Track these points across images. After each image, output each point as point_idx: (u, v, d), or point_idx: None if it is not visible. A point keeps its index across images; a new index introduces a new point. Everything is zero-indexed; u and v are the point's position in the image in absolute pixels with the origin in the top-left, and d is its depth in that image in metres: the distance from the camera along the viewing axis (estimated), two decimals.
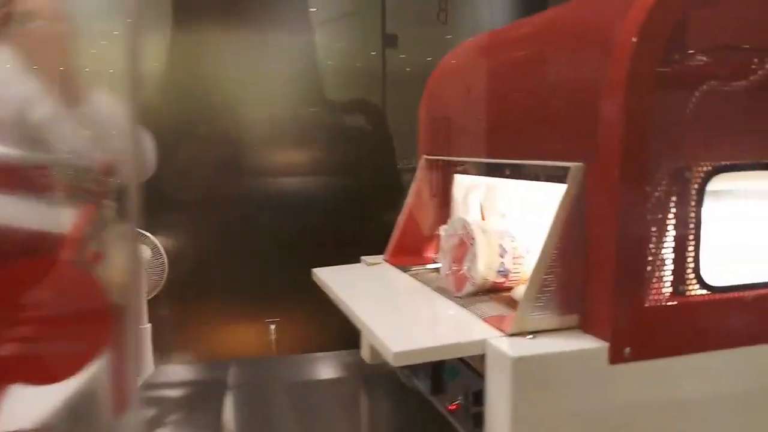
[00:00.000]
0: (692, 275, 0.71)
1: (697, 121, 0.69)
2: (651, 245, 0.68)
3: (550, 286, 0.72)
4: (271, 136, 2.20)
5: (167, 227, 2.14)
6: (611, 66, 0.67)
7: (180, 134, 2.11)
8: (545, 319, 0.72)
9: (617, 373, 0.68)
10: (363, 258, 1.19)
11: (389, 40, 2.40)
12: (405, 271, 1.07)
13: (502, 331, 0.72)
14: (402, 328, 0.76)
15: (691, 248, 0.70)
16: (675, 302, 0.70)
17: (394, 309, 0.83)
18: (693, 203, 0.70)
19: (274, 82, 2.20)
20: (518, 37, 0.95)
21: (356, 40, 2.39)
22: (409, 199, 1.15)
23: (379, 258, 1.16)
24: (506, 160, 0.90)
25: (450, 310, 0.83)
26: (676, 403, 0.71)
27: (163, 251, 2.10)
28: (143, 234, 2.06)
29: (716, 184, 0.71)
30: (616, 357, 0.68)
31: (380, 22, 2.36)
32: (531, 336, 0.71)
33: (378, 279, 1.02)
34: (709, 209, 0.72)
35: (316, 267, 1.12)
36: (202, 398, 1.08)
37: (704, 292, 0.71)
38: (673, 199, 0.69)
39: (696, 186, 0.70)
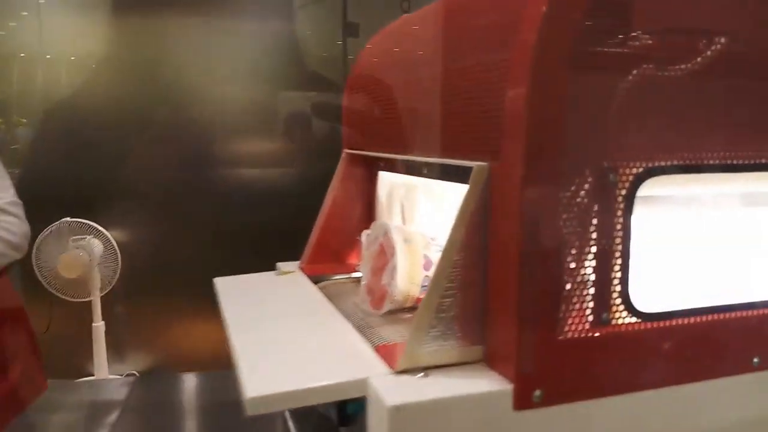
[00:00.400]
0: (619, 300, 0.58)
1: (624, 114, 0.56)
2: (566, 264, 0.56)
3: (447, 311, 0.59)
4: (232, 126, 2.09)
5: (122, 221, 2.04)
6: (516, 44, 0.54)
7: (136, 124, 2.00)
8: (442, 351, 0.59)
9: (525, 421, 0.55)
10: (279, 264, 1.06)
11: (350, 29, 2.31)
12: (318, 282, 0.94)
13: (392, 367, 0.59)
14: (274, 363, 0.63)
15: (617, 267, 0.57)
16: (598, 333, 0.57)
17: (276, 335, 0.70)
18: (620, 212, 0.57)
19: (235, 70, 2.09)
20: (426, 21, 0.81)
21: (320, 29, 2.29)
22: (329, 198, 1.02)
23: (294, 265, 1.02)
24: (419, 157, 0.77)
25: (345, 336, 0.70)
26: None
27: (116, 246, 1.97)
28: (96, 228, 1.94)
29: (650, 189, 0.58)
30: (522, 401, 0.55)
31: (341, 11, 2.26)
32: (422, 374, 0.58)
33: (280, 293, 0.89)
34: (642, 220, 0.59)
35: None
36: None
37: (634, 320, 0.59)
38: (595, 207, 0.56)
39: (623, 192, 0.57)
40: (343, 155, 1.03)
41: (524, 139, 0.53)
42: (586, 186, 0.55)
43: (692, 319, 0.61)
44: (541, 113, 0.53)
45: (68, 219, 1.89)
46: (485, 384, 0.56)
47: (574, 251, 0.56)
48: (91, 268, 1.91)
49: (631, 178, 0.57)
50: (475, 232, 0.58)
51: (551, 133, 0.53)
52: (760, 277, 0.67)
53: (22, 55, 1.97)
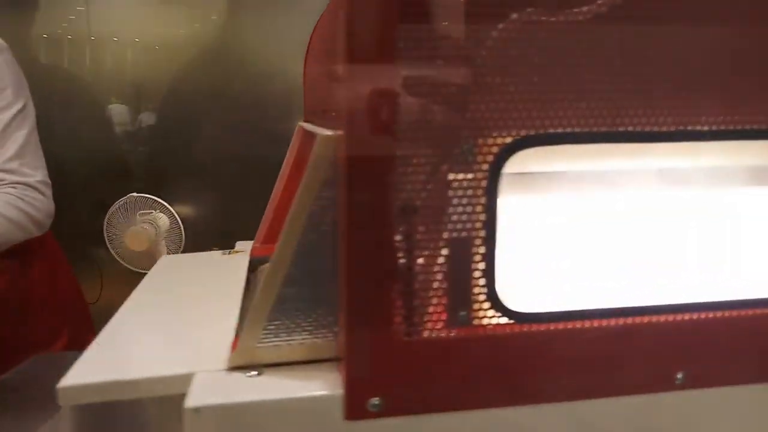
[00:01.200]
0: (483, 296, 0.48)
1: (482, 73, 0.46)
2: (410, 251, 0.47)
3: (291, 302, 0.52)
4: (301, 103, 2.07)
5: (187, 197, 2.09)
6: None
7: (204, 102, 2.03)
8: (285, 347, 0.52)
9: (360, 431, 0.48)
10: (237, 243, 1.02)
11: None
12: (262, 263, 0.89)
13: None
14: (122, 351, 0.58)
15: (479, 257, 0.48)
16: (454, 335, 0.48)
17: (155, 321, 0.65)
18: (480, 192, 0.47)
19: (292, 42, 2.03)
20: None
21: None
22: (283, 173, 0.96)
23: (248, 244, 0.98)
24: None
25: (224, 326, 0.64)
26: None
27: (179, 221, 2.02)
28: (161, 204, 2.00)
29: (523, 164, 0.48)
30: (354, 411, 0.47)
31: None
32: (255, 372, 0.51)
33: (205, 275, 0.84)
34: (513, 202, 0.49)
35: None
36: None
37: (504, 321, 0.49)
38: (448, 186, 0.47)
39: (485, 167, 0.47)
40: (297, 128, 0.96)
41: (347, 101, 0.44)
42: (435, 160, 0.46)
43: (589, 323, 0.50)
44: (367, 72, 0.44)
45: (135, 194, 1.95)
46: (313, 387, 0.49)
47: (421, 237, 0.47)
48: (157, 242, 1.96)
49: (495, 150, 0.47)
50: (322, 210, 0.50)
51: (383, 96, 0.44)
52: (691, 275, 0.54)
53: (92, 38, 2.03)
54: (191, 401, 0.46)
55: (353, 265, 0.46)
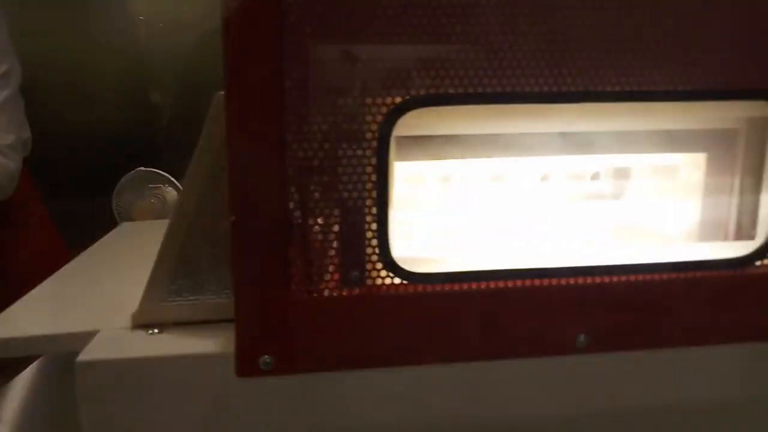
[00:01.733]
0: (375, 257, 0.48)
1: (371, 32, 0.45)
2: (298, 210, 0.47)
3: (190, 261, 0.52)
4: None
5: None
6: None
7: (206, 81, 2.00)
8: (188, 306, 0.53)
9: (250, 389, 0.48)
10: None
11: None
12: None
13: None
14: (43, 309, 0.59)
15: (370, 218, 0.48)
16: (346, 294, 0.48)
17: (87, 283, 0.66)
18: (370, 153, 0.47)
19: None
20: None
21: None
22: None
23: None
24: None
25: None
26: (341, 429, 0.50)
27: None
28: (168, 178, 2.01)
29: (418, 126, 0.48)
30: (245, 368, 0.48)
31: None
32: (156, 330, 0.52)
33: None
34: (418, 165, 0.49)
35: None
36: None
37: (398, 281, 0.49)
38: (335, 145, 0.46)
39: (374, 127, 0.46)
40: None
41: (228, 60, 0.44)
42: (328, 118, 0.46)
43: (486, 284, 0.50)
44: (239, 26, 0.43)
45: (143, 168, 1.95)
46: (207, 345, 0.49)
47: (309, 196, 0.47)
48: (164, 215, 1.97)
49: (383, 110, 0.46)
50: (222, 167, 0.50)
51: (260, 53, 0.44)
52: (591, 238, 0.54)
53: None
54: (83, 356, 0.47)
55: (241, 223, 0.46)
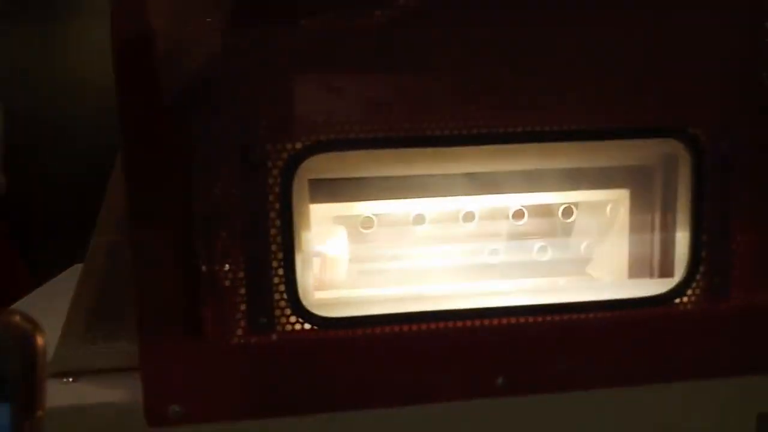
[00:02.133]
0: (284, 302, 0.48)
1: (269, 81, 0.46)
2: (200, 257, 0.47)
3: (105, 306, 0.52)
4: None
5: None
6: None
7: None
8: (103, 354, 0.52)
9: None
10: None
11: None
12: None
13: None
14: None
15: (276, 263, 0.48)
16: (254, 341, 0.48)
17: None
18: (273, 198, 0.47)
19: None
20: None
21: None
22: None
23: None
24: None
25: None
26: None
27: None
28: None
29: (333, 170, 0.48)
30: (155, 418, 0.47)
31: None
32: (71, 378, 0.52)
33: None
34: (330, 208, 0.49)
35: None
36: None
37: (308, 327, 0.49)
38: (237, 192, 0.47)
39: (275, 172, 0.47)
40: None
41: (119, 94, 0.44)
42: (225, 165, 0.46)
43: (399, 328, 0.49)
44: (129, 62, 0.44)
45: None
46: (119, 394, 0.49)
47: (214, 243, 0.47)
48: None
49: (284, 156, 0.47)
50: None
51: (149, 92, 0.44)
52: (507, 281, 0.54)
53: None
54: None
55: (143, 271, 0.46)
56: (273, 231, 0.47)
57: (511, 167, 0.54)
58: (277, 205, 0.47)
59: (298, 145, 0.47)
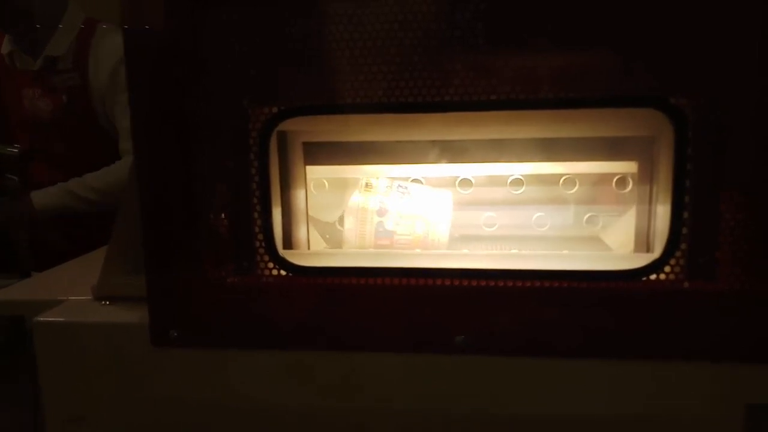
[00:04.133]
0: (262, 250, 0.54)
1: (251, 47, 0.51)
2: (193, 207, 0.54)
3: (135, 248, 0.61)
4: None
5: None
6: None
7: None
8: (134, 284, 0.62)
9: (163, 357, 0.57)
10: None
11: None
12: None
13: None
14: (58, 277, 0.73)
15: (256, 214, 0.53)
16: (238, 282, 0.55)
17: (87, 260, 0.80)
18: (253, 156, 0.53)
19: None
20: None
21: None
22: None
23: None
24: None
25: None
26: (233, 401, 0.56)
27: None
28: None
29: (325, 133, 0.53)
30: (158, 339, 0.56)
31: None
32: (108, 302, 0.62)
33: None
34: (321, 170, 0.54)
35: None
36: None
37: (281, 272, 0.54)
38: (225, 152, 0.53)
39: (254, 133, 0.52)
40: None
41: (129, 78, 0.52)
42: (215, 126, 0.53)
43: (365, 280, 0.53)
44: (136, 45, 0.51)
45: None
46: (133, 317, 0.58)
47: (208, 197, 0.54)
48: None
49: (263, 118, 0.52)
50: None
51: (154, 68, 0.52)
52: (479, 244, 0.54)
53: None
54: (40, 317, 0.58)
55: (146, 219, 0.54)
56: (254, 187, 0.53)
57: (487, 136, 0.55)
58: (256, 164, 0.52)
59: (274, 109, 0.51)
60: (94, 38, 1.23)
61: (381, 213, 0.73)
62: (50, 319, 0.58)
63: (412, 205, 0.62)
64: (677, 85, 0.47)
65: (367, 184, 0.72)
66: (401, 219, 0.65)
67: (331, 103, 0.50)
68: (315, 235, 0.67)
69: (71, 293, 0.65)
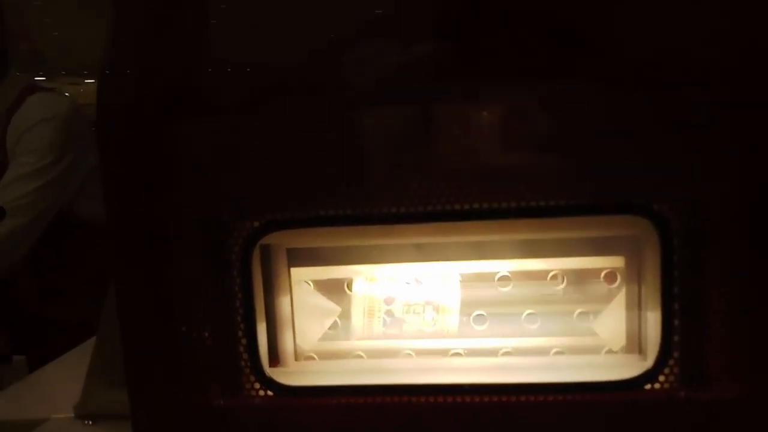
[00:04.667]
0: (248, 369, 0.53)
1: (228, 163, 0.51)
2: (183, 328, 0.53)
3: (116, 365, 0.60)
4: None
5: None
6: None
7: None
8: (119, 402, 0.60)
9: None
10: None
11: None
12: None
13: None
14: (29, 390, 0.71)
15: (240, 332, 0.52)
16: (224, 405, 0.53)
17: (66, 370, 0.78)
18: (236, 272, 0.52)
19: None
20: None
21: None
22: None
23: None
24: None
25: None
26: None
27: None
28: None
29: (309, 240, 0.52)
30: None
31: None
32: (91, 422, 0.60)
33: None
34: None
35: None
36: None
37: (268, 393, 0.53)
38: (201, 265, 0.52)
39: (237, 248, 0.51)
40: None
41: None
42: (194, 243, 0.52)
43: (363, 399, 0.52)
44: (112, 158, 0.51)
45: None
46: None
47: (181, 311, 0.53)
48: None
49: (244, 233, 0.51)
50: None
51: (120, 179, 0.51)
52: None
53: None
54: None
55: (126, 338, 0.53)
56: (237, 304, 0.52)
57: (468, 239, 0.54)
58: (239, 280, 0.51)
59: (256, 224, 0.51)
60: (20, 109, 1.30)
61: (389, 302, 0.71)
62: None
63: (420, 291, 0.61)
64: (660, 192, 0.47)
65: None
66: (410, 307, 0.63)
67: (316, 215, 0.50)
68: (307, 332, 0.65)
69: (53, 409, 0.63)
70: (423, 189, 0.49)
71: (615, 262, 0.57)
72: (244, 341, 0.52)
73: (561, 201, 0.49)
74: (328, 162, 0.50)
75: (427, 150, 0.50)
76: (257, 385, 0.52)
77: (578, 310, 0.58)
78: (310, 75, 0.49)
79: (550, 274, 0.59)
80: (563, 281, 0.58)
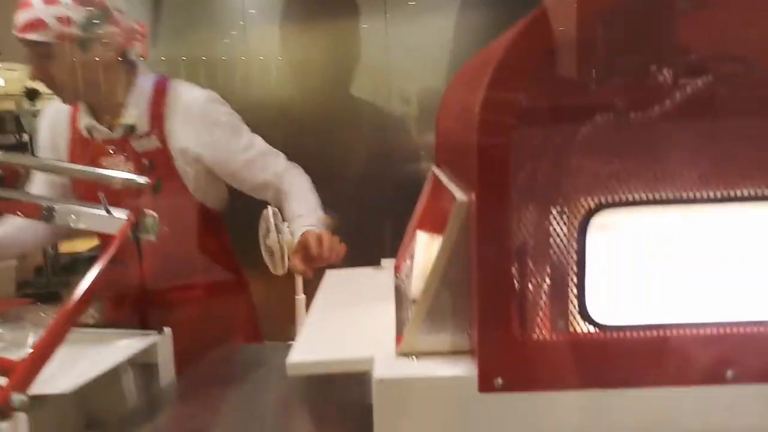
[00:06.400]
0: (576, 310, 0.69)
1: (577, 156, 0.67)
2: (524, 278, 0.69)
3: (438, 310, 0.75)
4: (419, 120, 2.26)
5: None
6: (476, 99, 0.68)
7: (328, 119, 2.28)
8: (435, 341, 0.76)
9: (488, 402, 0.70)
10: (383, 261, 1.28)
11: None
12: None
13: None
14: (323, 337, 0.85)
15: (572, 283, 0.69)
16: (554, 337, 0.70)
17: (340, 317, 0.92)
18: (574, 238, 0.68)
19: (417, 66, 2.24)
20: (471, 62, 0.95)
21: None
22: (418, 206, 1.20)
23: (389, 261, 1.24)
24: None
25: (387, 323, 0.89)
26: None
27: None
28: None
29: (606, 218, 0.69)
30: (485, 386, 0.70)
31: None
32: (415, 358, 0.75)
33: (366, 284, 1.10)
34: (601, 246, 0.70)
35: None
36: None
37: (590, 329, 0.70)
38: (552, 234, 0.68)
39: (576, 221, 0.68)
40: (430, 173, 1.20)
41: (478, 176, 0.67)
42: (545, 216, 0.68)
43: (654, 332, 0.69)
44: (490, 155, 0.66)
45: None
46: (458, 369, 0.72)
47: (532, 268, 0.69)
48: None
49: (583, 211, 0.68)
50: (458, 250, 0.73)
51: (500, 172, 0.67)
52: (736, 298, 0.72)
53: (243, 58, 2.36)
54: (378, 374, 0.71)
55: (482, 288, 0.69)
56: (572, 261, 0.68)
57: None
58: (574, 244, 0.68)
59: (592, 204, 0.68)
60: (166, 98, 1.37)
61: None
62: (391, 376, 0.71)
63: None
64: None
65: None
66: None
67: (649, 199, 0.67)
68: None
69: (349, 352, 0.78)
70: None
71: None
72: (575, 291, 0.69)
73: None
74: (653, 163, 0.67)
75: None
76: (582, 322, 0.69)
77: None
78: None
79: None
80: None
